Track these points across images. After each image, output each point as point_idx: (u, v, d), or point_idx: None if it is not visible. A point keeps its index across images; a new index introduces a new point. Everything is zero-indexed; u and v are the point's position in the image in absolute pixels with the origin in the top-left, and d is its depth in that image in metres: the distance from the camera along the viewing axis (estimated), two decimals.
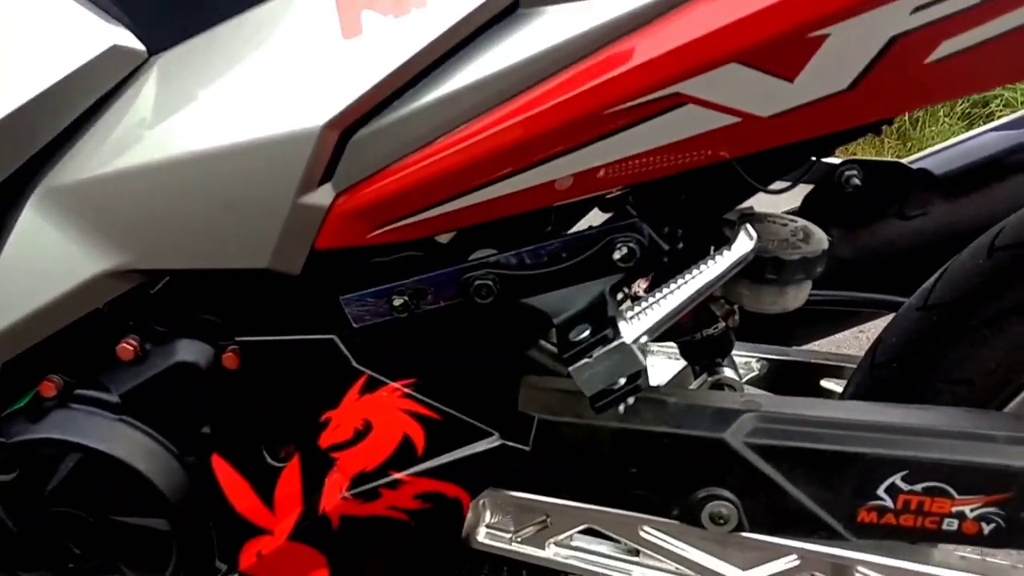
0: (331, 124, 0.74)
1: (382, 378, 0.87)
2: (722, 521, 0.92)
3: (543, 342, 1.03)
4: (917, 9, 0.63)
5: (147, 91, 0.81)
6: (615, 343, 0.77)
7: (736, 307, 0.97)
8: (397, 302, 0.85)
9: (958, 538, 0.91)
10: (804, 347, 1.36)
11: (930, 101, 0.75)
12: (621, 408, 0.81)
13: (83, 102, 0.80)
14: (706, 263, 0.79)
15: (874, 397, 1.07)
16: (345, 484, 0.90)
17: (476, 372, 0.91)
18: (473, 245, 0.87)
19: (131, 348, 0.91)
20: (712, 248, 0.82)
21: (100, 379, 0.90)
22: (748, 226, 0.81)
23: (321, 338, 0.87)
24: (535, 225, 0.91)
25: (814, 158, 0.86)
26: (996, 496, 0.89)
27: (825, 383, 1.27)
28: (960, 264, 1.05)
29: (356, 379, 0.87)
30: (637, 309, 0.79)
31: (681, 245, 0.85)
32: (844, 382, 1.27)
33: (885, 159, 1.23)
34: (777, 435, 0.91)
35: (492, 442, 0.86)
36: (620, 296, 0.84)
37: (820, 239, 0.88)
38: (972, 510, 0.90)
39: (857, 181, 1.27)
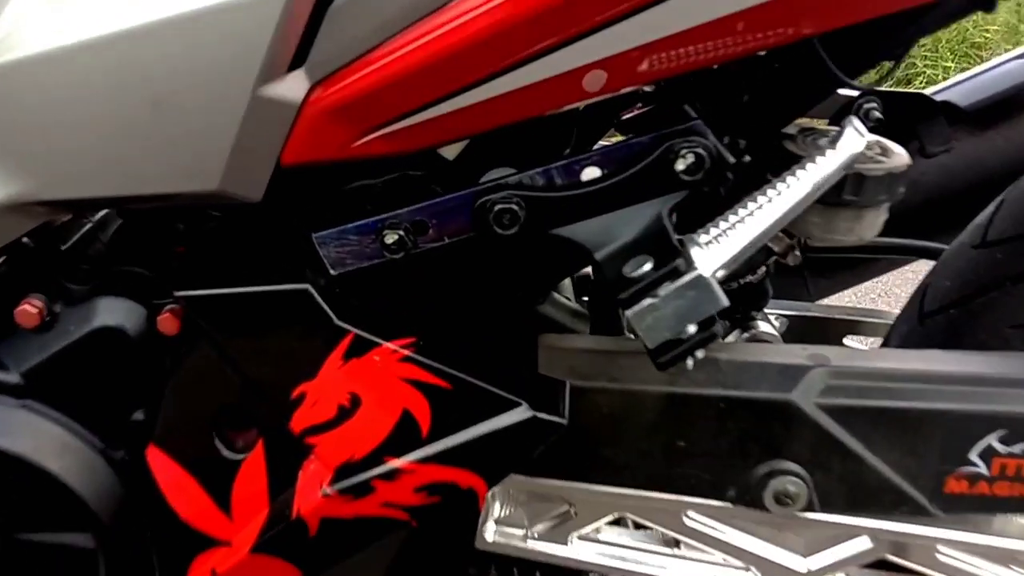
0: None
1: (373, 338, 0.65)
2: (789, 500, 0.73)
3: (555, 294, 0.82)
4: None
5: None
6: (689, 276, 0.56)
7: (796, 241, 0.77)
8: (390, 239, 0.63)
9: None
10: (823, 302, 1.18)
11: None
12: (690, 363, 0.61)
13: None
14: (795, 173, 0.58)
15: None
16: (327, 477, 0.67)
17: (493, 326, 0.70)
18: (485, 163, 0.65)
19: (35, 311, 0.67)
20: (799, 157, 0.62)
21: None
22: (855, 119, 0.62)
23: (290, 288, 0.64)
24: (552, 144, 0.70)
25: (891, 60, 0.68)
26: None
27: (849, 341, 1.10)
28: (1021, 194, 0.88)
29: (338, 340, 0.65)
30: (713, 232, 0.58)
31: (747, 158, 0.65)
32: (870, 339, 1.11)
33: (906, 90, 1.06)
34: (853, 393, 0.72)
35: (520, 414, 0.64)
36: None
37: (901, 154, 0.70)
38: None
39: (878, 114, 1.09)
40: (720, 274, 0.58)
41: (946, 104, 1.12)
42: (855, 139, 0.59)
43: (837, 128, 0.75)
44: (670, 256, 0.58)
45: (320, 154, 0.58)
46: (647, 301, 0.57)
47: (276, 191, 0.60)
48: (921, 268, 1.24)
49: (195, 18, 0.54)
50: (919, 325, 0.93)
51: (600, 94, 0.59)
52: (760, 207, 0.58)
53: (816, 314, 1.11)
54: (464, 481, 0.67)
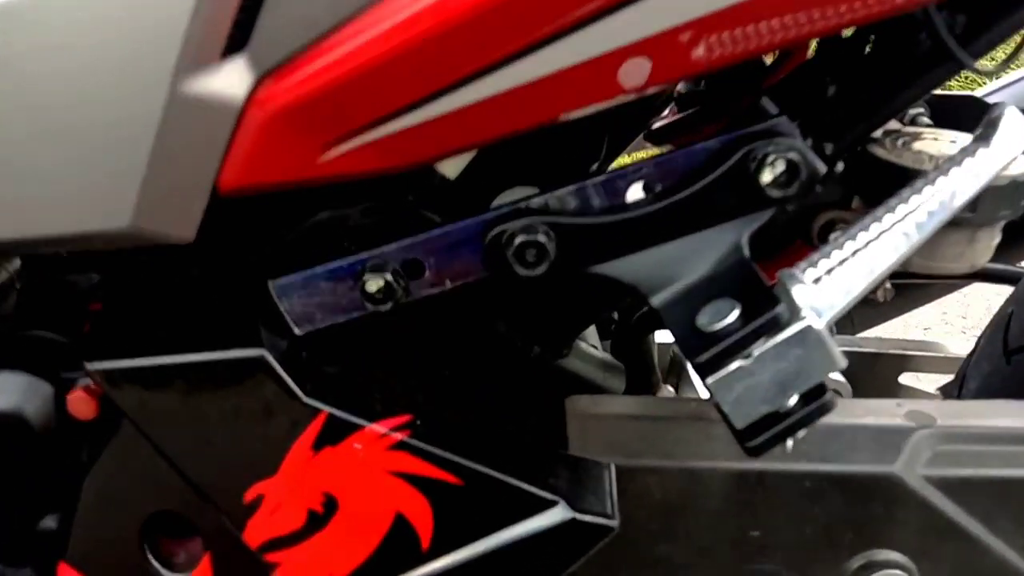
0: None
1: (352, 419, 0.48)
2: None
3: (580, 343, 0.65)
4: None
5: None
6: (794, 328, 0.40)
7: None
8: (374, 285, 0.47)
9: None
10: (868, 334, 1.03)
11: None
12: (789, 445, 0.44)
13: None
14: (933, 181, 0.42)
15: (1015, 394, 0.73)
16: None
17: (506, 392, 0.53)
18: (497, 183, 0.49)
19: None
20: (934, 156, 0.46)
21: None
22: (1013, 108, 0.46)
23: (240, 356, 0.47)
24: (578, 161, 0.54)
25: None
26: None
27: (906, 378, 0.94)
28: None
29: (306, 423, 0.48)
30: (823, 266, 0.42)
31: (841, 167, 0.49)
32: (929, 377, 0.95)
33: (955, 92, 0.92)
34: (969, 461, 0.56)
35: (555, 516, 0.47)
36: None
37: (1022, 158, 0.54)
38: None
39: (927, 120, 0.94)
40: (831, 319, 0.41)
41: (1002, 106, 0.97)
42: (1017, 131, 0.44)
43: (928, 129, 0.60)
44: (764, 301, 0.41)
45: (273, 174, 0.41)
46: (736, 364, 0.41)
47: (215, 227, 0.43)
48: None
49: None
50: (1006, 363, 0.78)
51: (642, 89, 0.43)
52: (887, 229, 0.42)
53: (866, 349, 0.96)
54: None
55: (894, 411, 0.59)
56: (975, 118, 0.92)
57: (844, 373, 0.93)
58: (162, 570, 0.53)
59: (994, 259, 0.99)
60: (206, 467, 0.50)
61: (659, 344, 0.82)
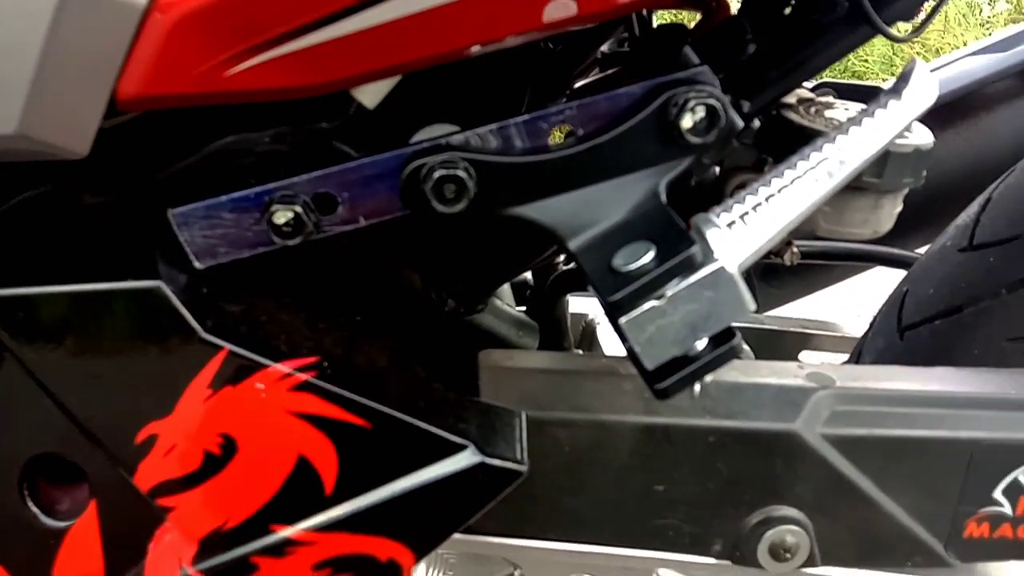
0: None
1: (255, 357, 0.45)
2: (787, 555, 0.59)
3: (496, 300, 0.64)
4: None
5: None
6: (708, 269, 0.40)
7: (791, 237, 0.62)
8: (282, 218, 0.44)
9: None
10: (774, 313, 1.05)
11: None
12: (697, 389, 0.44)
13: None
14: (847, 131, 0.43)
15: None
16: (188, 553, 0.47)
17: (418, 341, 0.51)
18: (418, 118, 0.47)
19: None
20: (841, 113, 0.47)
21: None
22: (919, 61, 0.47)
23: (134, 287, 0.44)
24: (501, 107, 0.53)
25: None
26: None
27: (806, 356, 0.97)
28: (1011, 190, 0.79)
29: (205, 361, 0.45)
30: (737, 211, 0.42)
31: (757, 123, 0.50)
32: (827, 354, 0.98)
33: (863, 83, 0.95)
34: (865, 421, 0.58)
35: (464, 460, 0.46)
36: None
37: (924, 130, 0.56)
38: None
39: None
40: (745, 263, 0.41)
41: None
42: (928, 87, 0.44)
43: (839, 100, 0.61)
44: (679, 243, 0.41)
45: (176, 86, 0.39)
46: (648, 304, 0.40)
47: (111, 143, 0.40)
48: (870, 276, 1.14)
49: None
50: (899, 339, 0.81)
51: (563, 25, 0.42)
52: (800, 176, 0.42)
53: (769, 326, 0.98)
54: (384, 553, 0.48)
55: (796, 372, 0.60)
56: None
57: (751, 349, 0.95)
58: (43, 517, 0.49)
59: (892, 245, 1.03)
60: (94, 405, 0.46)
61: (572, 313, 0.82)
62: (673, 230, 0.42)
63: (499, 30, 0.41)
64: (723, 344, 0.43)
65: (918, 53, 4.41)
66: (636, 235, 0.43)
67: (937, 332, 0.78)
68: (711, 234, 0.41)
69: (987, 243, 0.76)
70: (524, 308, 0.77)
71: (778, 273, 1.04)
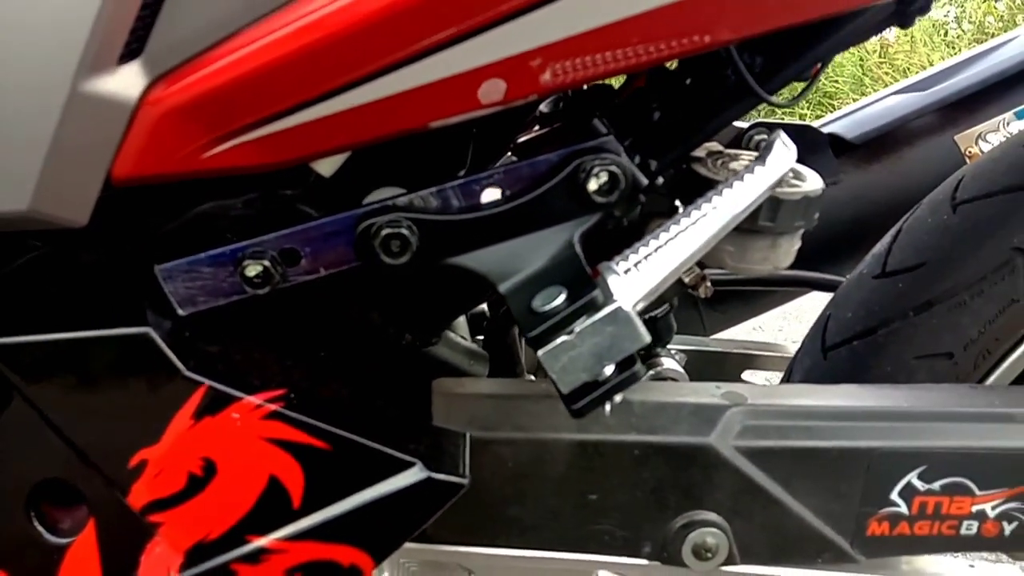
0: None
1: (230, 391, 0.53)
2: (709, 554, 0.67)
3: (450, 333, 0.72)
4: None
5: None
6: (608, 309, 0.48)
7: (704, 272, 0.71)
8: (253, 270, 0.52)
9: (976, 544, 0.71)
10: (719, 336, 1.14)
11: None
12: (607, 408, 0.52)
13: None
14: (722, 192, 0.52)
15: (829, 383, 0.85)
16: (176, 562, 0.54)
17: (377, 373, 0.59)
18: (369, 182, 0.55)
19: None
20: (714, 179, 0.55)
21: None
22: (782, 133, 0.56)
23: (126, 333, 0.52)
24: (444, 166, 0.61)
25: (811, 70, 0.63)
26: (1019, 488, 0.69)
27: (748, 376, 1.06)
28: (918, 222, 0.87)
29: (188, 395, 0.53)
30: (632, 260, 0.50)
31: (661, 180, 0.58)
32: (769, 374, 1.07)
33: (795, 122, 1.04)
34: (772, 434, 0.66)
35: (412, 476, 0.54)
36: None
37: (816, 178, 0.65)
38: (993, 507, 0.70)
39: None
40: (640, 307, 0.50)
41: (833, 136, 1.11)
42: (785, 154, 0.53)
43: (745, 152, 0.70)
44: (585, 287, 0.49)
45: (162, 167, 0.47)
46: (561, 339, 0.49)
47: (107, 213, 0.48)
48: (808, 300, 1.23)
49: None
50: (823, 358, 0.89)
51: (498, 104, 0.51)
52: (683, 230, 0.51)
53: (713, 349, 1.06)
54: (346, 559, 0.55)
55: (712, 392, 0.68)
56: (811, 143, 1.05)
57: (694, 368, 1.03)
58: (47, 535, 0.56)
59: (825, 270, 1.12)
60: (92, 435, 0.54)
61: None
62: (581, 276, 0.51)
63: (442, 114, 0.49)
64: (627, 369, 0.51)
65: (886, 72, 4.56)
66: (552, 280, 0.51)
67: (855, 352, 0.86)
68: (611, 279, 0.49)
69: (897, 270, 0.84)
70: (481, 336, 0.85)
71: (723, 299, 1.13)
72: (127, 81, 0.44)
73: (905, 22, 0.58)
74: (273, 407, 0.54)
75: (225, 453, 0.54)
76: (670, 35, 0.50)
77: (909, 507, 0.69)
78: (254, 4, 0.44)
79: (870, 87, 4.29)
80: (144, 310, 0.53)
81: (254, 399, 0.54)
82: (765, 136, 0.92)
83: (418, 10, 0.44)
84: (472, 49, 0.48)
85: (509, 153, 0.76)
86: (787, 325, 2.08)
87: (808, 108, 4.24)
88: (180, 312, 0.53)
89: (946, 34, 4.69)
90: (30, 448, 0.55)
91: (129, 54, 0.44)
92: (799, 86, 0.69)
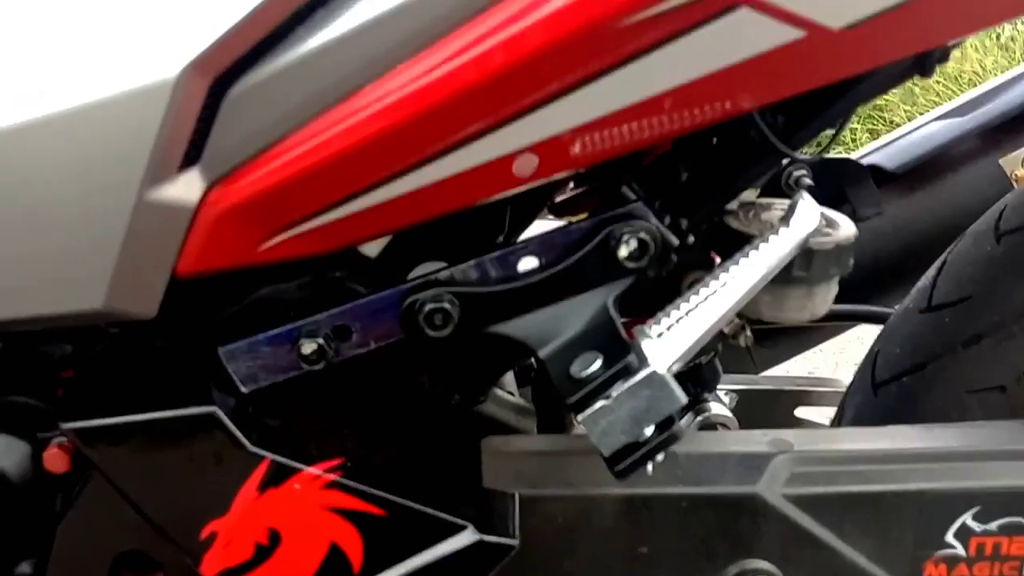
0: (197, 66, 0.45)
1: (292, 463, 0.57)
2: None
3: (498, 390, 0.75)
4: None
5: None
6: (643, 374, 0.50)
7: (746, 321, 0.73)
8: (308, 348, 0.56)
9: None
10: (770, 373, 1.14)
11: None
12: (649, 468, 0.54)
13: None
14: (748, 254, 0.54)
15: (882, 421, 0.85)
16: None
17: (428, 440, 0.62)
18: (412, 259, 0.59)
19: None
20: (752, 233, 0.57)
21: None
22: (805, 194, 0.57)
23: (195, 413, 0.56)
24: (484, 233, 0.64)
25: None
26: None
27: (801, 412, 1.05)
28: (962, 255, 0.86)
29: (252, 469, 0.56)
30: (664, 323, 0.52)
31: (692, 239, 0.60)
32: (822, 409, 1.07)
33: (832, 156, 1.05)
34: (820, 480, 0.67)
35: (465, 539, 0.56)
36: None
37: (848, 224, 0.66)
38: None
39: (809, 181, 1.07)
40: (676, 368, 0.52)
41: (873, 167, 1.11)
42: (809, 214, 0.55)
43: (778, 200, 0.71)
44: (620, 352, 0.52)
45: (222, 261, 0.51)
46: (599, 404, 0.51)
47: (173, 304, 0.52)
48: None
49: (69, 116, 0.47)
50: (873, 395, 0.89)
51: (532, 180, 0.54)
52: (714, 292, 0.53)
53: (765, 387, 1.07)
54: None
55: (758, 439, 0.69)
56: (852, 176, 1.05)
57: (745, 408, 1.04)
58: None
59: (867, 303, 1.12)
60: (166, 509, 0.58)
61: None
62: (616, 340, 0.53)
63: (480, 196, 0.52)
64: (667, 429, 0.53)
65: (937, 81, 4.47)
66: (589, 345, 0.54)
67: (905, 388, 0.85)
68: (645, 344, 0.51)
69: (943, 304, 0.84)
70: (531, 387, 0.87)
71: (772, 335, 1.13)
72: (187, 186, 0.49)
73: (925, 72, 0.60)
74: (332, 476, 0.57)
75: (289, 523, 0.57)
76: (693, 108, 0.53)
77: (966, 549, 0.68)
78: (300, 110, 0.48)
79: (920, 96, 4.21)
80: (210, 390, 0.57)
81: (314, 470, 0.57)
82: (805, 172, 0.94)
83: (454, 108, 0.48)
84: (507, 135, 0.51)
85: (548, 211, 0.79)
86: (848, 345, 2.04)
87: (858, 123, 4.18)
88: (243, 389, 0.57)
89: (998, 37, 4.57)
90: (111, 522, 0.59)
91: (188, 162, 0.48)
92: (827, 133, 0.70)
